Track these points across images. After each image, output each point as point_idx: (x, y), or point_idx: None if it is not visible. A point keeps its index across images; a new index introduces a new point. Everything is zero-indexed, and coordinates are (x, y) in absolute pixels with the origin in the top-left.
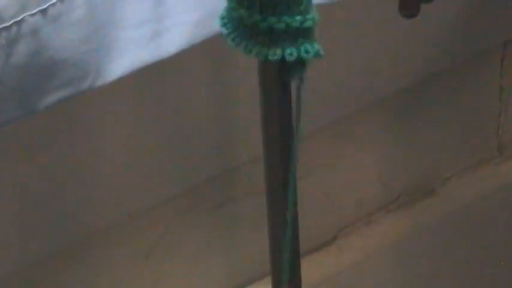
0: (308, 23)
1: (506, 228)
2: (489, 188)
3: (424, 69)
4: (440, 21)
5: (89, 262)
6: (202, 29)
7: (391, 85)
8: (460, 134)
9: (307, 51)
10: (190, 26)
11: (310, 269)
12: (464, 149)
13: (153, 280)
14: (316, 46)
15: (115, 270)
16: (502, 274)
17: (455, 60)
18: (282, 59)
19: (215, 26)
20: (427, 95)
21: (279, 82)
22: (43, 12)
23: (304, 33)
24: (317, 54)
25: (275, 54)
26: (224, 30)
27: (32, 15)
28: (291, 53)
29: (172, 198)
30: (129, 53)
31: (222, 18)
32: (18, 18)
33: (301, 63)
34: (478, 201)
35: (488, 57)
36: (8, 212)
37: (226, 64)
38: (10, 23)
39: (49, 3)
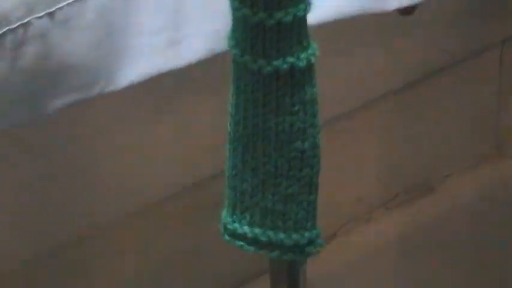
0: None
1: (506, 228)
2: (488, 186)
3: (424, 69)
4: (439, 20)
5: (89, 262)
6: (221, 40)
7: (391, 84)
8: (460, 132)
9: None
10: (210, 36)
11: (310, 268)
12: (463, 147)
13: (153, 280)
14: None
15: (115, 270)
16: (502, 274)
17: (454, 59)
18: None
19: None
20: (426, 94)
21: None
22: (50, 15)
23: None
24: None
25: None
26: None
27: (39, 18)
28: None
29: (172, 197)
30: (143, 60)
31: None
32: (25, 21)
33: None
34: (477, 200)
35: (487, 55)
36: (8, 211)
37: (226, 64)
38: (16, 25)
39: (57, 7)
